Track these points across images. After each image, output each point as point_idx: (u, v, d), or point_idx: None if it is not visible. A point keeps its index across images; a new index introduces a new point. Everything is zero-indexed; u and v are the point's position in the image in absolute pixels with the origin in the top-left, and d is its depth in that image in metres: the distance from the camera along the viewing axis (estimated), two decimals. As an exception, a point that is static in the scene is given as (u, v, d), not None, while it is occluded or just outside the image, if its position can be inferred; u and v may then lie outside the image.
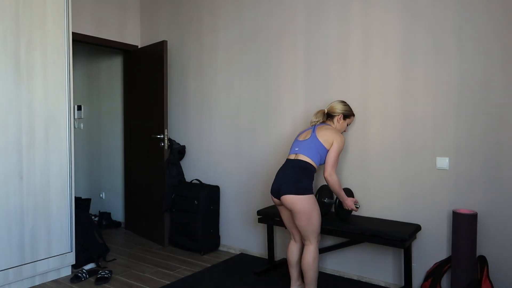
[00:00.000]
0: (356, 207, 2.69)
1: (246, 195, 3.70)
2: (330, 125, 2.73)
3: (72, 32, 3.24)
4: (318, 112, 2.81)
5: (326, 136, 2.59)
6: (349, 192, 2.88)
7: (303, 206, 2.45)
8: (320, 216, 2.54)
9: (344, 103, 2.80)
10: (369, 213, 3.01)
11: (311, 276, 2.51)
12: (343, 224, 2.78)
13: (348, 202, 2.66)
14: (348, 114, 2.79)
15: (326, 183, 2.96)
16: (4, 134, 2.77)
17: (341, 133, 2.76)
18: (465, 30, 2.60)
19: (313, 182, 2.58)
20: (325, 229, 2.83)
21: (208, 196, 3.74)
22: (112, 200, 4.87)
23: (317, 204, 2.52)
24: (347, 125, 2.84)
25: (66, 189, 3.14)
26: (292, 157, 2.63)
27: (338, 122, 2.76)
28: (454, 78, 2.65)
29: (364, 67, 3.00)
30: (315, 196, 2.85)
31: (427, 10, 2.73)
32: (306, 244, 2.55)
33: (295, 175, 2.51)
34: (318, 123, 2.77)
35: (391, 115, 2.90)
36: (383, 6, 2.90)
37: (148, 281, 3.08)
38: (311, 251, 2.51)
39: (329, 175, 2.54)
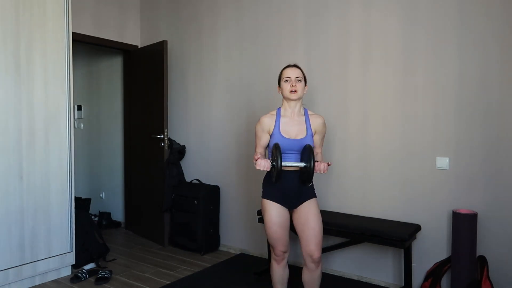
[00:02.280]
0: (260, 164, 2.18)
1: (246, 195, 3.69)
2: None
3: (72, 32, 3.23)
4: None
5: None
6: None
7: None
8: (268, 223, 2.30)
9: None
10: (369, 213, 3.01)
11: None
12: (343, 224, 2.79)
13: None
14: (278, 80, 2.38)
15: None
16: (4, 134, 2.77)
17: (290, 95, 2.29)
18: (465, 30, 2.60)
19: (272, 180, 2.18)
20: (325, 229, 2.82)
21: (208, 196, 3.74)
22: (112, 200, 4.87)
23: (265, 209, 2.32)
24: (285, 82, 2.30)
25: (66, 189, 3.14)
26: None
27: (280, 93, 2.39)
28: (454, 78, 2.65)
29: (364, 67, 3.00)
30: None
31: (427, 11, 2.73)
32: None
33: None
34: None
35: (391, 114, 2.90)
36: (384, 6, 2.90)
37: (148, 281, 3.08)
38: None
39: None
